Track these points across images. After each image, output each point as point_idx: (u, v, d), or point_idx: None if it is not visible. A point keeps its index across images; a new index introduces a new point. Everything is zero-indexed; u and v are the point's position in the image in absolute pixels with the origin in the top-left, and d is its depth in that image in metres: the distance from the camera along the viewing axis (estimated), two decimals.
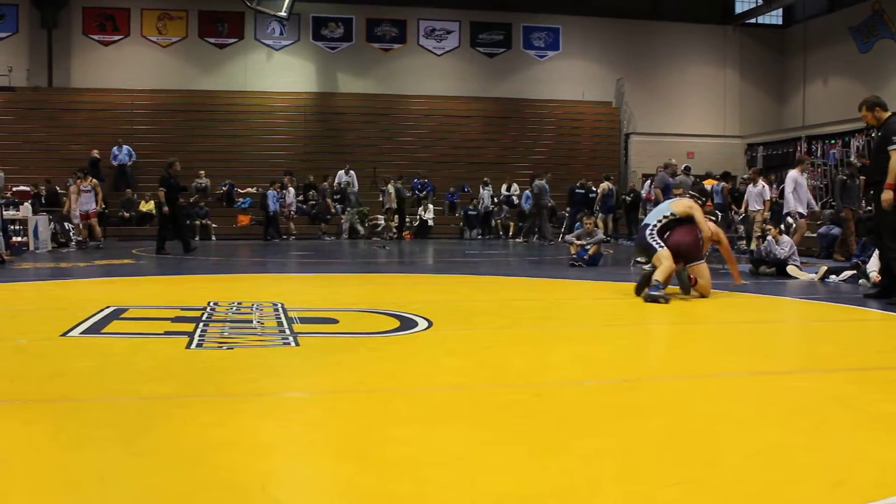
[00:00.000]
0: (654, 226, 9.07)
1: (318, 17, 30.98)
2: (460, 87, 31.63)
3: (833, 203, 20.15)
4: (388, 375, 4.66)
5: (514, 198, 27.59)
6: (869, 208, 9.10)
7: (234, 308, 7.47)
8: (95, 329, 6.10)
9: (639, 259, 14.13)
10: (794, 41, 33.06)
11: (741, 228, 18.74)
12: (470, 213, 27.05)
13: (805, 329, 7.50)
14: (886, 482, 2.83)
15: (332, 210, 26.02)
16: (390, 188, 25.56)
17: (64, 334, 5.81)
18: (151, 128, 28.83)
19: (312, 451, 3.26)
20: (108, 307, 7.16)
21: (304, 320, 6.64)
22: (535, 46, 32.43)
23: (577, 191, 24.98)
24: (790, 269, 11.98)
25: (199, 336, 5.78)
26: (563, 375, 4.79)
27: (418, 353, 5.44)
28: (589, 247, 13.88)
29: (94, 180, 19.48)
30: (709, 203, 18.29)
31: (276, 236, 24.09)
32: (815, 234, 17.96)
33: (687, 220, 9.06)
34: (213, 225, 24.86)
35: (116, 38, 29.81)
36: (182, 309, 7.35)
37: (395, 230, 25.64)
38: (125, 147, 26.79)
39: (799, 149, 28.22)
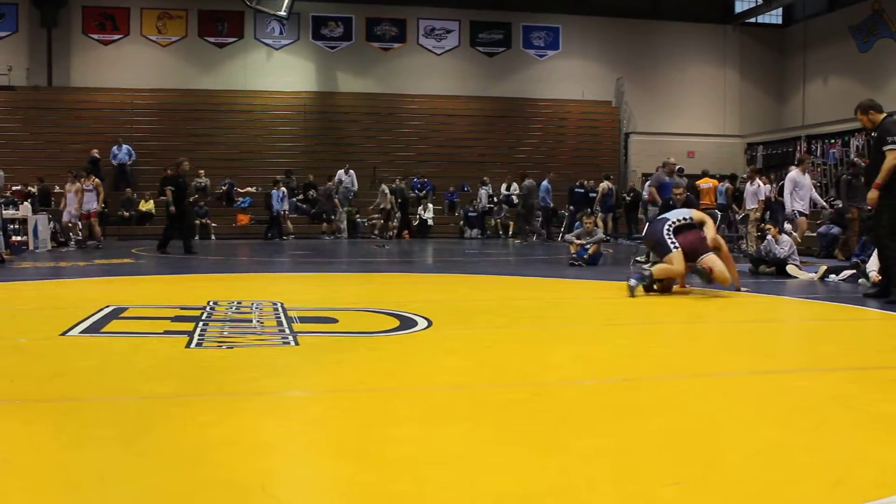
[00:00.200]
0: (673, 223, 9.16)
1: (318, 17, 30.98)
2: (460, 87, 31.63)
3: (833, 202, 20.16)
4: (388, 375, 4.66)
5: (514, 197, 27.58)
6: (870, 208, 9.14)
7: (234, 307, 7.48)
8: (95, 328, 6.10)
9: (638, 258, 14.16)
10: (793, 40, 33.06)
11: (741, 228, 18.74)
12: (470, 213, 27.06)
13: (805, 328, 7.50)
14: (886, 482, 2.83)
15: (339, 209, 26.05)
16: (385, 188, 25.61)
17: (63, 334, 5.81)
18: (151, 127, 28.83)
19: (312, 451, 3.26)
20: (107, 306, 7.16)
21: (303, 319, 6.64)
22: (534, 46, 32.43)
23: (576, 190, 25.03)
24: (790, 269, 11.98)
25: (199, 335, 5.78)
26: (562, 375, 4.79)
27: (418, 352, 5.44)
28: (588, 246, 13.88)
29: (97, 179, 19.45)
30: (705, 200, 18.31)
31: (277, 236, 24.14)
32: (814, 234, 17.96)
33: (697, 226, 9.21)
34: (213, 224, 24.88)
35: (116, 37, 29.81)
36: (182, 308, 7.35)
37: (393, 230, 25.68)
38: (125, 146, 26.79)
39: (799, 148, 28.24)
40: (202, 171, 26.18)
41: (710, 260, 8.99)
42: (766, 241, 12.70)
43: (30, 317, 7.14)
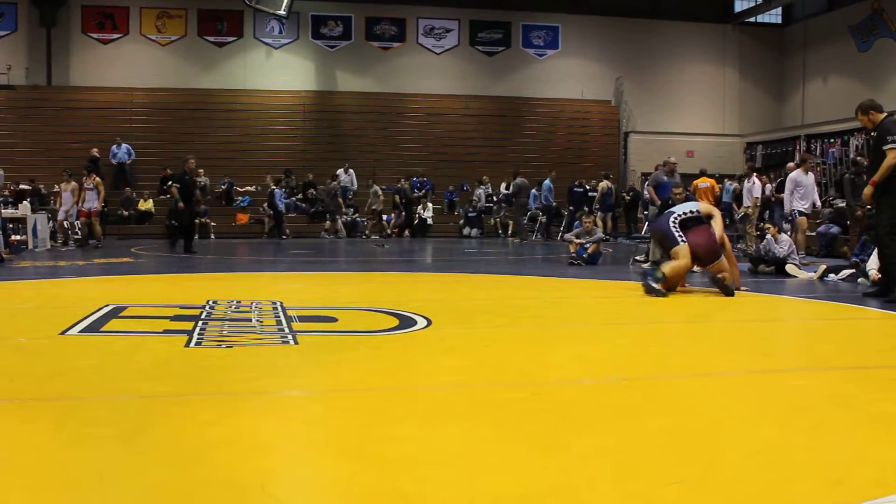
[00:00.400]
0: (679, 216, 9.17)
1: (318, 16, 30.97)
2: (459, 86, 31.61)
3: (833, 202, 20.18)
4: (388, 374, 4.67)
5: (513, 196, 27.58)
6: (869, 207, 9.17)
7: (234, 306, 7.48)
8: (94, 327, 6.10)
9: (637, 258, 14.17)
10: (793, 40, 33.06)
11: (740, 227, 18.75)
12: (470, 214, 27.07)
13: (804, 328, 7.51)
14: (885, 481, 2.83)
15: (343, 209, 26.06)
16: (377, 189, 25.64)
17: (63, 333, 5.81)
18: (150, 126, 28.82)
19: (312, 450, 3.26)
20: (106, 305, 7.16)
21: (303, 319, 6.64)
22: (534, 45, 32.42)
23: (575, 189, 25.06)
24: (789, 268, 11.99)
25: (199, 334, 5.78)
26: (562, 374, 4.79)
27: (417, 351, 5.44)
28: (588, 245, 13.88)
29: (98, 178, 19.39)
30: (703, 200, 18.30)
31: (278, 235, 24.21)
32: (814, 233, 17.97)
33: (704, 221, 9.21)
34: (212, 223, 24.88)
35: (115, 36, 29.78)
36: (181, 307, 7.35)
37: (394, 230, 25.72)
38: (124, 145, 26.79)
39: (798, 147, 28.25)
40: (201, 171, 26.14)
41: (719, 268, 9.00)
42: (765, 241, 12.71)
43: (29, 316, 7.14)
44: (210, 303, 7.54)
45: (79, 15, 29.44)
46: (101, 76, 29.31)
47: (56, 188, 22.69)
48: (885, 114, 8.84)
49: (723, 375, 4.82)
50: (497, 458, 3.07)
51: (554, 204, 25.37)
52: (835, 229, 17.82)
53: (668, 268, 8.92)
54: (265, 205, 25.60)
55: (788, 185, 14.86)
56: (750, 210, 16.94)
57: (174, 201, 16.83)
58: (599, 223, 21.00)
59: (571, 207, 24.22)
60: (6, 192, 21.30)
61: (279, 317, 6.71)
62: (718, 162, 28.67)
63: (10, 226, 17.22)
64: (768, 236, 12.65)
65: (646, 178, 22.17)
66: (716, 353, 5.75)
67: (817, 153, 27.20)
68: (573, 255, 13.87)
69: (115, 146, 26.64)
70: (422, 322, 6.49)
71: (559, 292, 9.91)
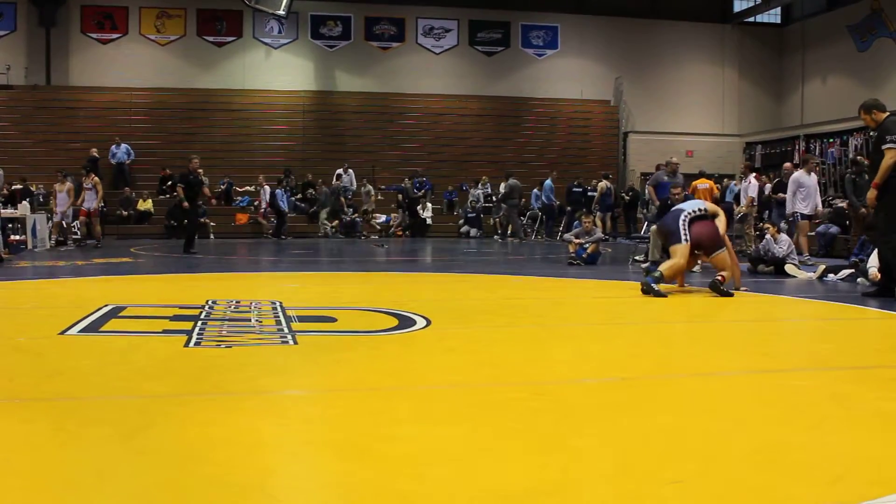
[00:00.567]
0: (689, 214, 9.19)
1: (317, 16, 30.96)
2: (459, 86, 31.61)
3: (832, 201, 20.17)
4: (387, 374, 4.67)
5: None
6: (871, 209, 9.18)
7: (233, 306, 7.48)
8: (94, 327, 6.10)
9: (637, 258, 14.18)
10: (792, 40, 33.07)
11: (739, 227, 18.74)
12: (469, 214, 27.07)
13: (803, 328, 7.51)
14: (883, 479, 2.84)
15: (346, 208, 26.06)
16: (371, 188, 25.63)
17: (62, 333, 5.81)
18: (150, 126, 28.81)
19: (311, 449, 3.26)
20: (106, 305, 7.16)
21: (302, 319, 6.64)
22: (533, 45, 32.42)
23: (574, 189, 25.08)
24: (788, 268, 11.99)
25: (198, 334, 5.78)
26: (562, 374, 4.79)
27: (417, 351, 5.44)
28: (587, 245, 13.89)
29: (96, 178, 19.31)
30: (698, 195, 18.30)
31: (277, 235, 24.26)
32: (813, 233, 17.97)
33: (710, 217, 9.25)
34: (212, 223, 24.88)
35: (115, 36, 29.77)
36: (180, 307, 7.34)
37: (393, 230, 25.74)
38: (123, 145, 26.79)
39: (797, 147, 28.26)
40: (200, 171, 26.10)
41: (719, 260, 9.01)
42: (764, 241, 12.72)
43: (28, 316, 7.15)
44: (209, 303, 7.55)
45: (78, 15, 29.43)
46: (101, 76, 29.30)
47: (35, 189, 22.65)
48: (888, 113, 8.84)
49: (722, 375, 4.82)
50: (497, 457, 3.07)
51: (557, 203, 25.35)
52: (834, 229, 17.83)
53: (665, 267, 8.94)
54: (255, 204, 25.62)
55: (791, 187, 14.81)
56: (745, 209, 16.92)
57: (178, 201, 16.78)
58: (598, 223, 21.01)
59: (570, 207, 24.25)
60: (5, 192, 21.28)
61: (278, 317, 6.71)
62: (718, 162, 28.69)
63: (10, 226, 17.23)
64: (767, 236, 12.65)
65: (645, 178, 22.20)
66: (715, 352, 5.75)
67: (816, 153, 27.20)
68: (572, 255, 13.88)
69: (114, 146, 26.65)
70: (421, 322, 6.49)
71: (558, 292, 9.91)
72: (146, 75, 29.45)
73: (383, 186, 28.55)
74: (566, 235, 15.76)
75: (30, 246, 17.39)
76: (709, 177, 19.72)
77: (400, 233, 26.13)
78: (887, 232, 8.67)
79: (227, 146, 28.63)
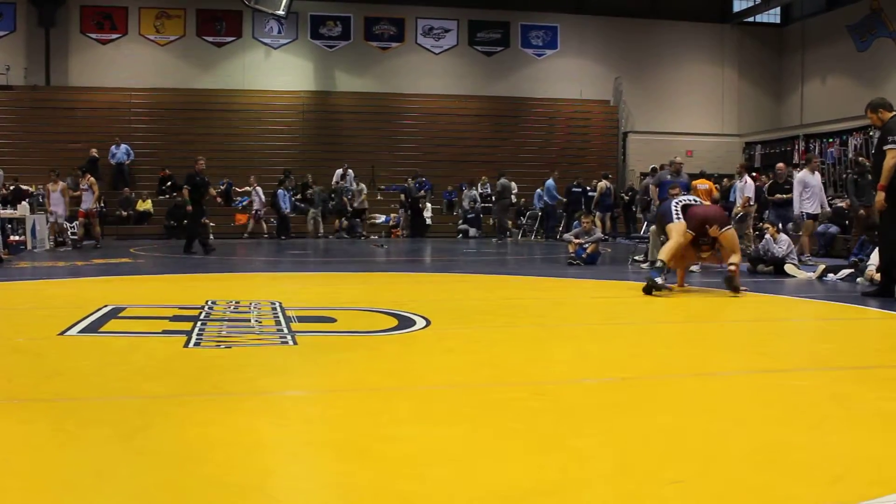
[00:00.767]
0: (680, 201, 9.25)
1: (317, 16, 30.95)
2: (458, 86, 31.60)
3: (832, 201, 20.17)
4: (387, 374, 4.66)
5: (513, 196, 27.57)
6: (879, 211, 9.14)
7: (232, 307, 7.48)
8: (93, 328, 6.10)
9: (636, 258, 14.18)
10: (792, 40, 33.06)
11: (738, 227, 18.72)
12: (469, 215, 27.07)
13: (803, 327, 7.51)
14: (883, 479, 2.84)
15: (349, 208, 26.03)
16: (363, 187, 25.57)
17: (62, 333, 5.81)
18: (149, 126, 28.82)
19: (311, 450, 3.26)
20: (105, 306, 7.16)
21: (301, 319, 6.64)
22: (532, 45, 32.41)
23: (574, 189, 25.09)
24: (788, 268, 11.99)
25: (197, 335, 5.77)
26: (561, 374, 4.79)
27: (417, 351, 5.44)
28: (587, 245, 13.89)
29: (91, 178, 19.23)
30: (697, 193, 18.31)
31: (286, 234, 24.28)
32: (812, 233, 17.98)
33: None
34: (211, 224, 24.83)
35: (114, 36, 29.76)
36: (180, 308, 7.34)
37: (398, 230, 25.76)
38: (123, 146, 26.78)
39: (797, 147, 28.26)
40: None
41: (726, 237, 9.01)
42: (764, 241, 12.71)
43: (28, 316, 7.14)
44: (209, 303, 7.54)
45: (77, 15, 29.42)
46: (100, 76, 29.29)
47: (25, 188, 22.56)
48: (894, 113, 8.80)
49: (722, 375, 4.82)
50: (497, 457, 3.07)
51: (564, 199, 25.26)
52: (834, 229, 17.83)
53: (664, 252, 8.93)
54: (245, 205, 25.62)
55: (797, 187, 14.80)
56: (741, 209, 16.91)
57: (184, 203, 16.73)
58: (598, 223, 21.01)
59: (570, 207, 24.25)
60: (4, 192, 21.27)
61: (278, 317, 6.71)
62: (717, 162, 28.68)
63: (9, 226, 17.22)
64: (767, 236, 12.65)
65: (644, 178, 22.17)
66: (715, 352, 5.75)
67: (816, 153, 27.18)
68: (572, 255, 13.88)
69: (114, 146, 26.63)
70: (421, 322, 6.49)
71: (558, 292, 9.91)
72: (146, 76, 29.45)
73: (383, 186, 28.54)
74: (566, 235, 15.76)
75: (29, 246, 17.39)
76: (708, 177, 19.73)
77: (398, 233, 26.12)
78: (892, 234, 8.63)
79: (227, 146, 28.60)
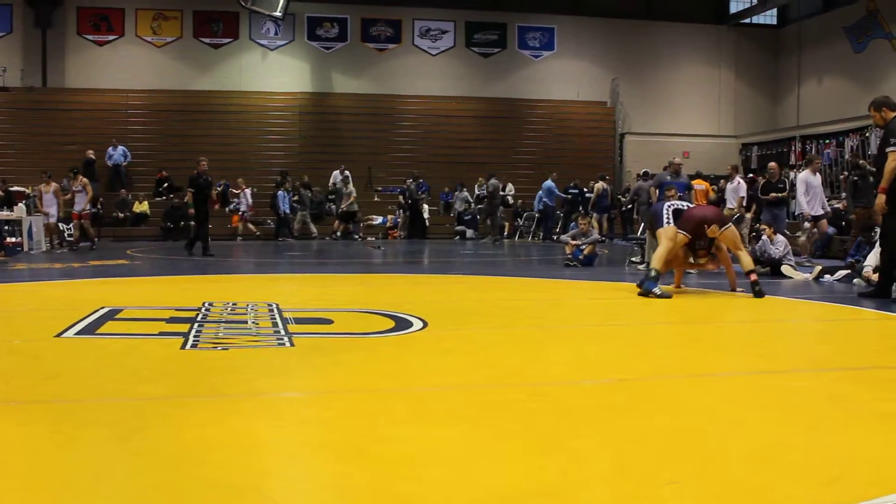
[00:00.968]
0: (672, 205, 9.24)
1: (313, 17, 30.94)
2: (455, 87, 31.60)
3: (829, 202, 20.18)
4: (384, 375, 4.66)
5: (510, 198, 27.62)
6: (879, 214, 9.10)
7: (229, 308, 7.47)
8: (90, 330, 6.09)
9: (633, 259, 14.19)
10: (788, 41, 33.10)
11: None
12: (466, 217, 27.06)
13: (800, 329, 7.52)
14: (880, 480, 2.84)
15: (339, 211, 26.00)
16: (352, 189, 25.49)
17: (59, 335, 5.80)
18: (146, 128, 28.80)
19: (308, 451, 3.26)
20: (102, 308, 7.15)
21: (298, 321, 6.63)
22: (529, 46, 32.43)
23: (571, 191, 25.11)
24: (785, 269, 12.00)
25: (194, 336, 5.77)
26: (559, 375, 4.79)
27: (414, 353, 5.44)
28: (584, 247, 13.90)
29: (84, 179, 19.10)
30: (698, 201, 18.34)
31: (289, 235, 24.25)
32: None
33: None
34: (209, 225, 24.80)
35: (111, 38, 29.74)
36: (177, 310, 7.34)
37: (398, 233, 25.77)
38: (120, 147, 26.76)
39: (793, 148, 28.29)
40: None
41: (725, 236, 9.02)
42: (761, 242, 12.72)
43: (25, 318, 7.14)
44: (206, 305, 7.54)
45: (74, 16, 29.39)
46: (97, 78, 29.26)
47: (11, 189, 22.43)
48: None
49: (720, 376, 4.82)
50: (494, 458, 3.07)
51: (568, 196, 25.23)
52: (831, 230, 17.83)
53: (656, 261, 8.90)
54: (233, 207, 25.58)
55: (801, 187, 14.80)
56: (735, 210, 16.93)
57: (186, 206, 16.63)
58: (595, 224, 21.04)
59: (566, 209, 24.27)
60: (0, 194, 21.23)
61: (275, 319, 6.71)
62: (714, 163, 28.66)
63: (6, 228, 17.20)
64: (764, 237, 12.66)
65: (638, 180, 22.20)
66: (712, 353, 5.76)
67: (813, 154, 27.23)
68: (569, 256, 13.89)
69: (110, 148, 26.61)
70: (418, 324, 6.49)
71: (555, 294, 9.92)
72: (142, 77, 29.43)
73: (380, 188, 28.53)
74: (563, 237, 15.77)
75: (26, 248, 17.38)
76: (704, 178, 19.74)
77: (395, 234, 26.10)
78: (889, 233, 8.61)
79: (224, 148, 28.55)
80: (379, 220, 26.99)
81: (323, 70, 31.16)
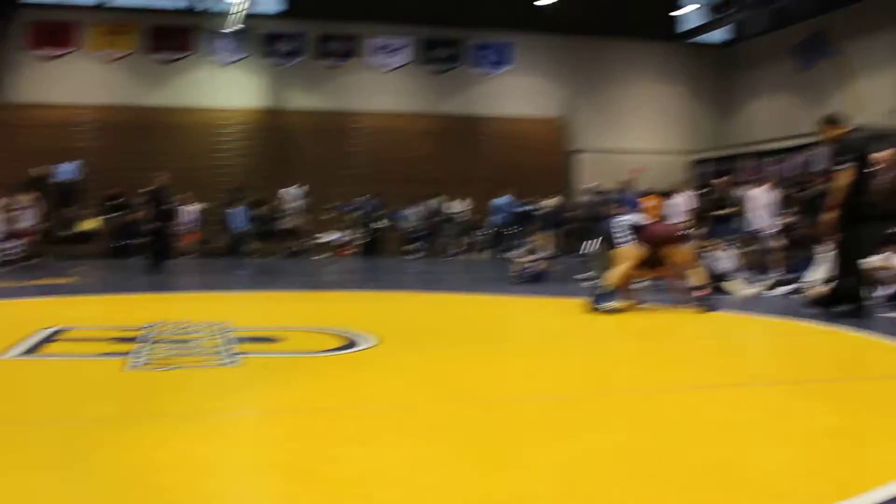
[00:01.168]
0: (628, 220, 9.29)
1: (269, 34, 30.82)
2: (410, 104, 31.63)
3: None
4: (334, 394, 4.64)
5: (456, 216, 27.57)
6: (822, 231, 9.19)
7: (178, 328, 7.38)
8: (34, 350, 5.98)
9: (583, 276, 14.26)
10: (739, 59, 33.62)
11: None
12: (417, 233, 27.02)
13: (747, 343, 7.62)
14: (825, 493, 2.88)
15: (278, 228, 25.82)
16: (302, 203, 25.31)
17: (1, 356, 5.69)
18: (98, 144, 28.34)
19: (256, 472, 3.23)
20: (47, 328, 7.02)
21: (248, 340, 6.57)
22: (484, 63, 32.57)
23: (522, 207, 25.21)
24: (729, 285, 12.12)
25: (141, 356, 5.68)
26: (510, 392, 4.80)
27: (364, 371, 5.42)
28: (534, 263, 13.95)
29: (35, 195, 18.79)
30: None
31: (244, 254, 23.92)
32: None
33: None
34: (169, 242, 24.47)
35: (63, 52, 29.36)
36: (124, 329, 7.22)
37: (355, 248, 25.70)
38: (70, 163, 26.35)
39: (742, 165, 28.71)
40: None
41: (685, 255, 9.11)
42: (707, 257, 12.85)
43: None
44: (154, 324, 7.44)
45: (25, 30, 28.96)
46: (48, 93, 28.79)
47: None
48: (843, 129, 8.82)
49: (667, 392, 4.87)
50: (445, 476, 3.07)
51: (519, 212, 25.29)
52: (781, 244, 18.08)
53: (614, 277, 8.95)
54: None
55: (751, 203, 14.98)
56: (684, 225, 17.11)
57: (149, 220, 16.47)
58: (546, 241, 21.12)
59: (518, 225, 24.36)
60: None
61: (224, 337, 6.64)
62: (667, 179, 28.98)
63: None
64: (712, 253, 12.79)
65: (586, 196, 22.37)
66: (661, 369, 5.80)
67: (762, 170, 27.66)
68: (519, 273, 13.93)
69: (60, 164, 26.19)
70: (369, 341, 6.46)
71: (506, 310, 9.95)
72: (95, 92, 29.01)
73: (337, 204, 28.41)
74: (513, 253, 15.83)
75: None
76: (657, 194, 19.86)
77: (348, 251, 25.93)
78: (850, 263, 8.61)
79: (177, 164, 28.18)
80: (330, 237, 26.81)
81: (278, 86, 31.03)
